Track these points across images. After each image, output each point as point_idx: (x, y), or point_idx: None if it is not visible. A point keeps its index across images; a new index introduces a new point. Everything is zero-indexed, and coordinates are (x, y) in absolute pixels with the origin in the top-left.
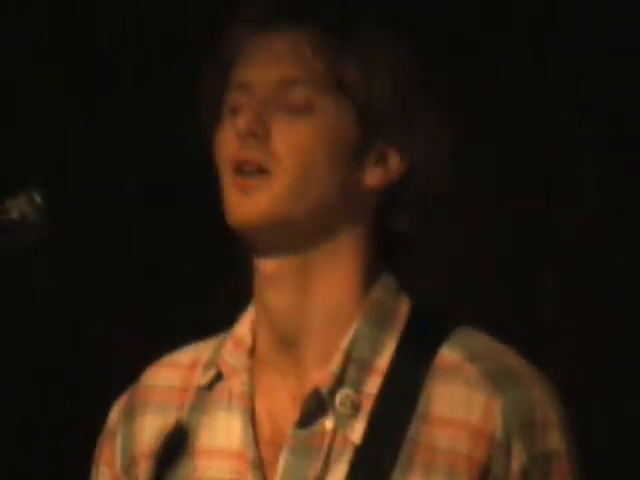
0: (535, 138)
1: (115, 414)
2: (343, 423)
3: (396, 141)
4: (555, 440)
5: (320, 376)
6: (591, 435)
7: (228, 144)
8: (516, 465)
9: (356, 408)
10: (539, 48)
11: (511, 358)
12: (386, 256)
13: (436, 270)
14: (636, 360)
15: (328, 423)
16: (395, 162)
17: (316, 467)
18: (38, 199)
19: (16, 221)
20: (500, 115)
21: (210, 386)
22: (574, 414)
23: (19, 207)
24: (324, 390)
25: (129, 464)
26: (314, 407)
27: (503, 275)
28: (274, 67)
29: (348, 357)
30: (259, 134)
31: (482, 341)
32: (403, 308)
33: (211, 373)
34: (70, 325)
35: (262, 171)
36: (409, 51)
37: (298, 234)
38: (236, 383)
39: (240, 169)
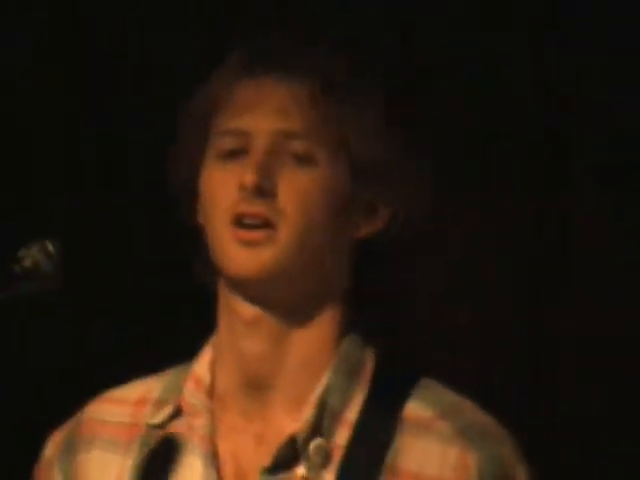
0: (535, 140)
1: (52, 448)
2: (315, 472)
3: (385, 194)
4: None
5: (295, 424)
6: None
7: (228, 195)
8: None
9: (328, 458)
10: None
11: (480, 415)
12: (359, 308)
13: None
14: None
15: (300, 471)
16: (384, 214)
17: None
18: (51, 248)
19: (29, 270)
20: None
21: (163, 425)
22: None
23: (32, 256)
24: (300, 438)
25: None
26: (286, 453)
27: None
28: (277, 118)
29: (322, 407)
30: (266, 189)
31: (450, 397)
32: (369, 361)
33: (166, 411)
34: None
35: (268, 225)
36: (398, 107)
37: (292, 287)
38: (198, 424)
39: (240, 221)
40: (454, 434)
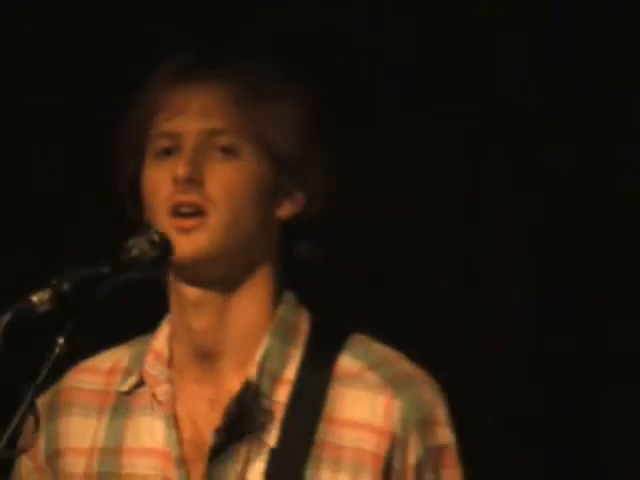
0: None
1: (41, 412)
2: (260, 428)
3: (302, 180)
4: (444, 435)
5: (239, 387)
6: None
7: (163, 188)
8: (412, 459)
9: (271, 415)
10: None
11: (406, 365)
12: (290, 278)
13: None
14: None
15: (246, 428)
16: (299, 197)
17: (237, 467)
18: (156, 237)
19: (136, 259)
20: None
21: (129, 392)
22: None
23: (139, 246)
24: (245, 399)
25: (53, 456)
26: (234, 413)
27: None
28: (202, 119)
29: (261, 370)
30: (195, 180)
31: (378, 349)
32: (304, 322)
33: (132, 380)
34: None
35: (199, 213)
36: (313, 102)
37: (227, 266)
38: (159, 391)
39: (177, 211)
40: (381, 383)
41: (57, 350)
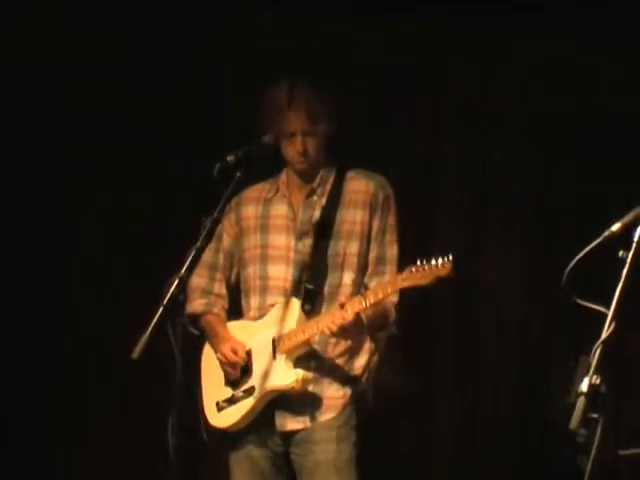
0: None
1: (231, 206)
2: (321, 201)
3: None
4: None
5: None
6: None
7: (294, 151)
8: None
9: (323, 191)
10: None
11: (380, 176)
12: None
13: None
14: None
15: (317, 200)
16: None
17: (316, 213)
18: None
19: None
20: None
21: (271, 197)
22: None
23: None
24: (314, 193)
25: (239, 221)
26: (311, 195)
27: None
28: (303, 124)
29: (322, 178)
30: (305, 152)
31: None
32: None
33: (272, 192)
34: None
35: (305, 161)
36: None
37: (316, 168)
38: (286, 193)
39: (299, 162)
40: (365, 178)
41: (235, 182)
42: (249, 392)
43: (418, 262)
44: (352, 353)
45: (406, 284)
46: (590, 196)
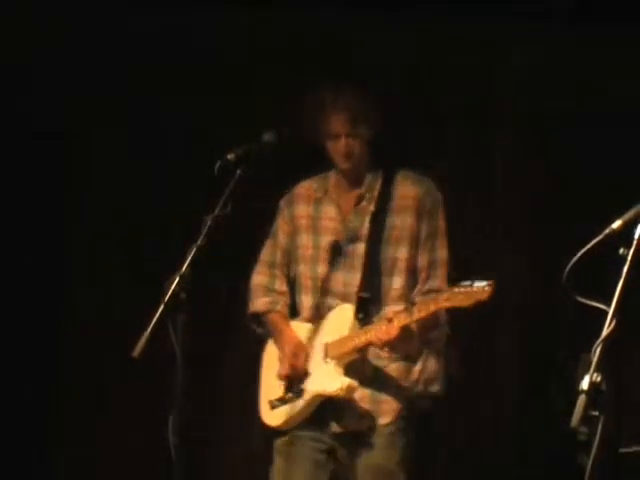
0: None
1: (283, 202)
2: (370, 207)
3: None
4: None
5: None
6: None
7: (338, 152)
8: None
9: (372, 196)
10: None
11: (430, 181)
12: None
13: None
14: None
15: (367, 205)
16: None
17: (367, 217)
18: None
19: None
20: None
21: (320, 197)
22: None
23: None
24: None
25: (292, 218)
26: (363, 199)
27: None
28: (346, 126)
29: (369, 185)
30: (349, 151)
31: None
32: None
33: (321, 192)
34: None
35: (349, 161)
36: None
37: (361, 164)
38: (333, 194)
39: (343, 162)
40: (413, 183)
41: (236, 180)
42: (299, 394)
43: (461, 283)
44: (407, 358)
45: (447, 304)
46: (590, 196)
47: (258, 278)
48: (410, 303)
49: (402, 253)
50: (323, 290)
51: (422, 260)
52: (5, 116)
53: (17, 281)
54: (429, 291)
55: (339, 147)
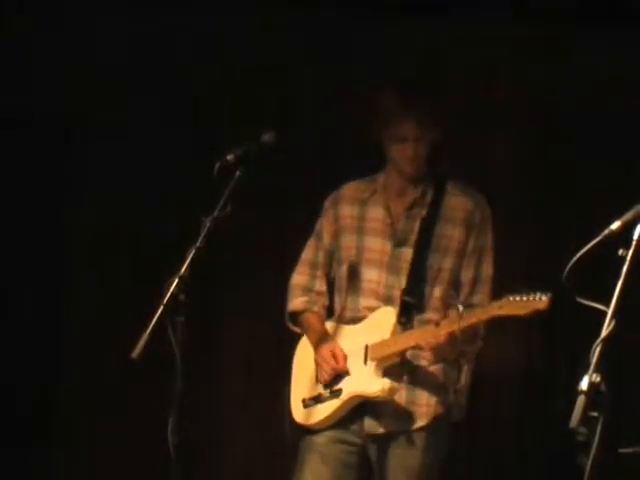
0: None
1: (328, 202)
2: (422, 212)
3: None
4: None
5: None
6: None
7: (405, 156)
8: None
9: (424, 203)
10: None
11: (480, 196)
12: None
13: None
14: None
15: (418, 211)
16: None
17: (417, 223)
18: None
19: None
20: None
21: (367, 198)
22: None
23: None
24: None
25: (337, 219)
26: (415, 205)
27: None
28: (415, 130)
29: (422, 194)
30: (415, 156)
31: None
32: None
33: (368, 193)
34: None
35: (415, 166)
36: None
37: (422, 169)
38: (381, 196)
39: (409, 166)
40: (465, 196)
41: (235, 181)
42: (336, 394)
43: (516, 293)
44: (445, 363)
45: (502, 312)
46: (590, 196)
47: (297, 278)
48: (453, 311)
49: (447, 264)
50: (364, 290)
51: (467, 274)
52: (5, 115)
53: (17, 281)
54: (471, 306)
55: (407, 151)
